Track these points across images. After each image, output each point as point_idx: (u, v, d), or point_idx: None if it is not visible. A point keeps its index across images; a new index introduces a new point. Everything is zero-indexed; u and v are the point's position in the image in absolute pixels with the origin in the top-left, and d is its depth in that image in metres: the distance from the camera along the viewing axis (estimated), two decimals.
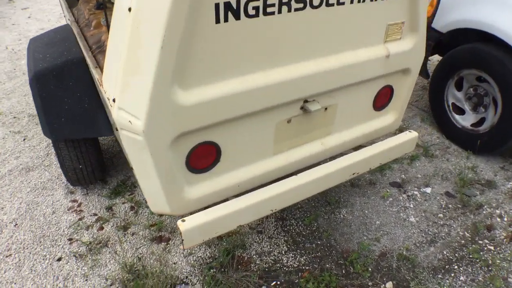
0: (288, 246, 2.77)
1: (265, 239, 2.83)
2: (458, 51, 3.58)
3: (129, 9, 1.59)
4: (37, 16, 8.16)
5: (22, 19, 8.04)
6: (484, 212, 3.04)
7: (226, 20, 1.65)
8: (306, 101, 2.13)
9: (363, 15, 2.09)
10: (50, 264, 2.71)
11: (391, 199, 3.17)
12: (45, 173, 3.59)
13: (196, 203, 2.06)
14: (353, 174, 2.42)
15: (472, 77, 3.54)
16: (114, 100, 1.80)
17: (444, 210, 3.06)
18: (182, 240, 1.95)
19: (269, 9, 1.73)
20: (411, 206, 3.10)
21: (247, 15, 1.68)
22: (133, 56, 1.66)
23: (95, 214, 3.11)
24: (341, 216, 3.00)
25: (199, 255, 2.73)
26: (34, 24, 7.66)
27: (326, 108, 2.27)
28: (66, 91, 2.67)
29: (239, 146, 2.04)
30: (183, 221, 1.96)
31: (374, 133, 2.64)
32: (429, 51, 3.83)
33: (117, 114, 1.78)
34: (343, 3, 1.96)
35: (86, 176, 3.12)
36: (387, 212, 3.04)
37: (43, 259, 2.76)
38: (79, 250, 2.80)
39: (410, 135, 2.64)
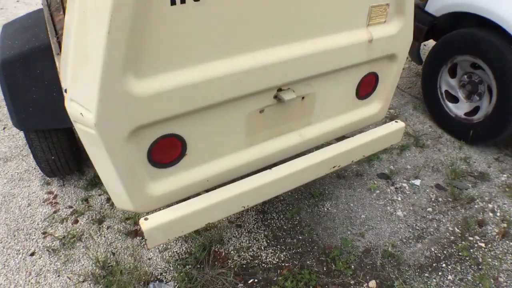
0: (268, 241, 2.65)
1: (244, 233, 2.70)
2: (452, 36, 3.41)
3: None
4: (26, 0, 7.96)
5: (10, 3, 7.85)
6: (476, 206, 2.90)
7: (183, 1, 1.49)
8: (280, 89, 1.97)
9: None
10: (23, 259, 2.61)
11: (378, 191, 3.03)
12: (23, 163, 3.47)
13: (161, 199, 1.93)
14: (334, 167, 2.28)
15: (466, 64, 3.37)
16: (66, 91, 1.67)
17: (434, 204, 2.92)
18: (145, 239, 1.83)
19: None
20: (399, 199, 2.96)
21: None
22: (81, 43, 1.52)
23: (70, 207, 3.00)
24: (325, 209, 2.87)
25: (175, 250, 2.61)
26: (22, 8, 7.46)
27: (303, 97, 2.12)
28: (33, 79, 2.53)
29: (206, 138, 1.90)
30: (146, 219, 1.83)
31: (358, 123, 2.49)
32: (423, 36, 3.66)
33: (69, 106, 1.64)
34: None
35: (60, 167, 2.99)
36: (373, 205, 2.91)
37: (17, 254, 2.65)
38: (52, 245, 2.70)
39: (396, 126, 2.49)
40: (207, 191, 2.03)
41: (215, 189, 2.00)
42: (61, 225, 2.85)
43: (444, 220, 2.78)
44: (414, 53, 3.86)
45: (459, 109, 3.52)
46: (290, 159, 2.18)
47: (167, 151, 1.83)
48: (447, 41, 3.45)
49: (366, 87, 2.40)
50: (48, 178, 3.26)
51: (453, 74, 3.53)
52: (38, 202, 3.06)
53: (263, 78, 1.84)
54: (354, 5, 2.01)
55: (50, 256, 2.62)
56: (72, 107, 1.63)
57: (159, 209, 1.93)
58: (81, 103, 1.57)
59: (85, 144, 1.73)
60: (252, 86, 1.83)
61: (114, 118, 1.55)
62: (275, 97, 1.98)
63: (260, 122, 2.03)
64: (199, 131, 1.85)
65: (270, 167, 2.12)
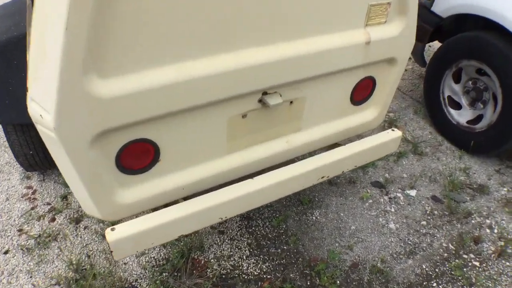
0: (251, 250, 2.50)
1: (227, 240, 2.56)
2: (457, 39, 3.23)
3: None
4: None
5: None
6: (473, 221, 2.74)
7: None
8: (265, 93, 1.81)
9: None
10: None
11: (371, 201, 2.87)
12: (5, 155, 3.34)
13: (132, 208, 1.78)
14: (322, 177, 2.13)
15: (471, 69, 3.20)
16: (27, 89, 1.52)
17: (428, 217, 2.77)
18: (111, 251, 1.69)
19: None
20: (392, 210, 2.80)
21: None
22: (39, 38, 1.36)
23: (48, 203, 2.87)
24: (314, 218, 2.72)
25: (152, 256, 2.47)
26: None
27: (291, 102, 1.96)
28: (10, 70, 2.38)
29: (182, 144, 1.75)
30: (113, 229, 1.69)
31: (352, 130, 2.33)
32: (427, 37, 3.48)
33: (29, 106, 1.49)
34: None
35: (38, 162, 2.85)
36: (364, 216, 2.75)
37: None
38: (27, 243, 2.58)
39: (392, 134, 2.33)
40: (184, 199, 1.90)
41: (191, 197, 1.86)
42: (37, 223, 2.72)
43: (438, 235, 2.63)
44: (417, 54, 3.68)
45: (461, 117, 3.35)
46: (275, 167, 2.03)
47: (137, 157, 1.67)
48: (452, 44, 3.27)
49: (362, 92, 2.23)
50: (28, 172, 3.13)
51: (457, 79, 3.35)
52: (17, 197, 2.93)
53: (246, 81, 1.68)
54: (350, 2, 1.84)
55: (24, 255, 2.50)
56: (32, 108, 1.48)
57: (130, 218, 1.79)
58: (41, 104, 1.42)
59: (48, 146, 1.59)
60: (233, 89, 1.67)
61: (75, 121, 1.40)
62: (260, 101, 1.82)
63: (242, 127, 1.87)
64: (173, 135, 1.69)
65: (253, 175, 1.97)
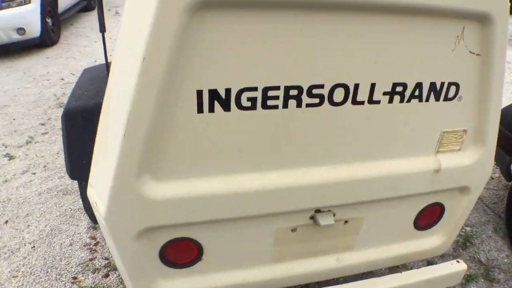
0: None
1: None
2: None
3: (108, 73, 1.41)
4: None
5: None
6: None
7: (211, 110, 1.38)
8: (318, 210, 1.77)
9: (407, 118, 1.68)
10: None
11: None
12: (79, 200, 3.56)
13: None
14: None
15: None
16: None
17: None
18: None
19: (270, 102, 1.43)
20: None
21: (240, 107, 1.40)
22: (103, 134, 1.47)
23: (106, 259, 2.98)
24: None
25: None
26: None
27: (346, 221, 1.88)
28: (91, 134, 2.59)
29: (226, 246, 1.75)
30: None
31: (412, 256, 2.17)
32: None
33: (88, 190, 1.60)
34: (377, 102, 1.58)
35: None
36: None
37: None
38: None
39: (456, 267, 2.12)
40: None
41: None
42: (92, 275, 2.83)
43: None
44: (503, 167, 3.40)
45: None
46: (322, 284, 1.94)
47: (181, 253, 1.71)
48: None
49: (428, 217, 2.09)
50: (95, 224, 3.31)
51: None
52: (79, 245, 3.09)
53: (297, 199, 1.66)
54: (421, 129, 1.75)
55: None
56: (90, 192, 1.59)
57: None
58: (97, 192, 1.52)
59: (100, 227, 1.68)
60: (283, 206, 1.65)
61: (124, 215, 1.48)
62: (312, 217, 1.78)
63: (290, 240, 1.83)
64: (218, 239, 1.71)
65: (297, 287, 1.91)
